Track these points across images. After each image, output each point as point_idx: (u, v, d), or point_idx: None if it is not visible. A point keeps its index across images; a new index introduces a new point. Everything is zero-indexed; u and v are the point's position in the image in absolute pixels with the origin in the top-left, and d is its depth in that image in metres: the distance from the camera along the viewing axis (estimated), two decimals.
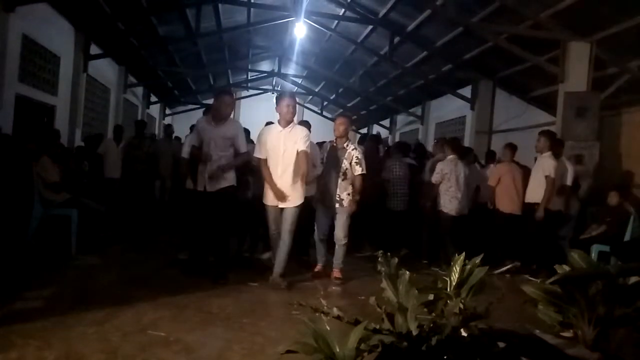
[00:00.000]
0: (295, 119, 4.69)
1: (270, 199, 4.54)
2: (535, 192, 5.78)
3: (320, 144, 5.55)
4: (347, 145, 4.98)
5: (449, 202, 5.80)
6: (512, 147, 6.40)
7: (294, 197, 4.47)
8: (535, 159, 6.32)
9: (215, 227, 4.54)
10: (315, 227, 5.08)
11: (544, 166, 5.73)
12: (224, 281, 4.37)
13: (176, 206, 6.09)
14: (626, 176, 7.11)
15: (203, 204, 4.52)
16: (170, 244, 5.80)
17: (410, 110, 15.36)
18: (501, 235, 6.07)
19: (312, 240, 5.27)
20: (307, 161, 4.48)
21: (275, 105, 4.64)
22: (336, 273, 4.93)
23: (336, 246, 4.98)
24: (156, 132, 16.88)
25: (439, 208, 5.87)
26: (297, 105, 5.14)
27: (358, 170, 4.90)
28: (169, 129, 9.86)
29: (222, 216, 4.51)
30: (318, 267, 5.05)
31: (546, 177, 5.66)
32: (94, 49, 10.92)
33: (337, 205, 4.88)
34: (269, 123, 5.21)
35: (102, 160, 7.89)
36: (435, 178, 5.85)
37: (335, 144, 5.05)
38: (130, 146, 8.33)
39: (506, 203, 6.09)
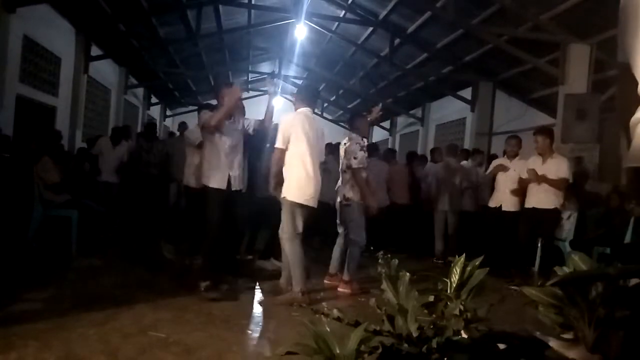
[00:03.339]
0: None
1: None
2: (546, 196, 5.27)
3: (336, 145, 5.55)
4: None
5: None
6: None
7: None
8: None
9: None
10: (364, 236, 4.61)
11: (561, 169, 5.27)
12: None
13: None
14: None
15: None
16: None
17: (410, 112, 15.38)
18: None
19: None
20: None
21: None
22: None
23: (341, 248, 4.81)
24: (159, 133, 16.83)
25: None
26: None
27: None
28: (183, 127, 8.83)
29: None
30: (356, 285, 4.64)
31: (564, 179, 5.26)
32: (95, 50, 10.95)
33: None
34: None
35: (96, 162, 7.39)
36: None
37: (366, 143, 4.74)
38: (141, 149, 7.82)
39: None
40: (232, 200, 4.33)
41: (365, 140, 4.72)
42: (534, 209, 5.38)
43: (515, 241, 5.47)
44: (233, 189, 4.27)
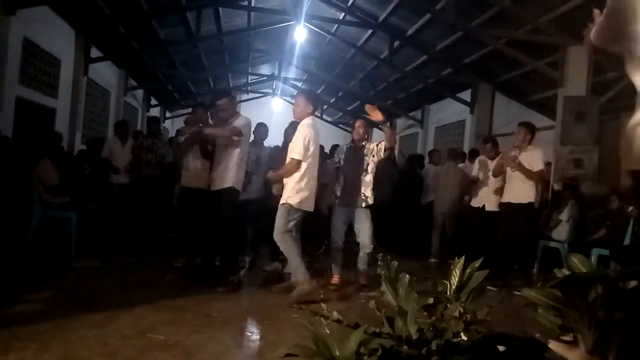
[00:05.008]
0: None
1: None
2: (520, 190, 5.28)
3: (334, 147, 5.58)
4: (366, 144, 4.86)
5: None
6: None
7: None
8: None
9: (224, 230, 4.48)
10: (333, 234, 4.77)
11: (535, 160, 5.27)
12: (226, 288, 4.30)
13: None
14: None
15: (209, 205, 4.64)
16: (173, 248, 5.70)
17: (410, 114, 15.39)
18: None
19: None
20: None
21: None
22: (363, 279, 4.74)
23: (361, 252, 4.72)
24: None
25: None
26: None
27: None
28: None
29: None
30: (336, 279, 4.71)
31: (538, 171, 5.28)
32: (95, 52, 10.94)
33: (362, 204, 4.67)
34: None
35: (109, 164, 6.94)
36: None
37: (352, 145, 4.92)
38: (140, 148, 7.23)
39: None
40: (203, 200, 4.69)
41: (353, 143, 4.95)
42: (509, 203, 5.35)
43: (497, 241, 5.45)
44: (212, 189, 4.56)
